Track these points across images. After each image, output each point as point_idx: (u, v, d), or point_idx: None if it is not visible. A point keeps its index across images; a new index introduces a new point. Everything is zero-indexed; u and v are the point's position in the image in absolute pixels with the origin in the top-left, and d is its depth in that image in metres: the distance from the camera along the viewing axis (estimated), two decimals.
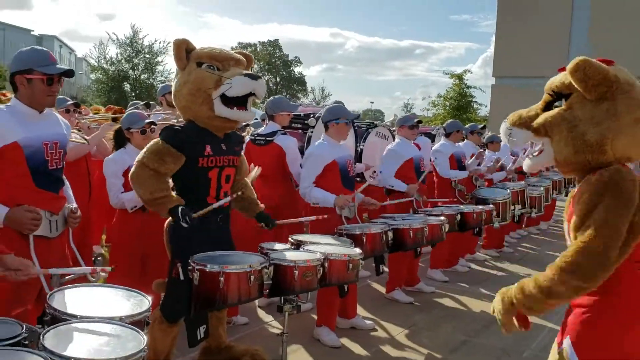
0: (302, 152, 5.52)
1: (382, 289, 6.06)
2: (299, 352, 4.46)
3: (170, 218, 3.41)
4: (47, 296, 2.31)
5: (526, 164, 2.54)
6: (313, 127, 5.78)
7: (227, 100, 3.33)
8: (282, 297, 3.39)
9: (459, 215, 5.52)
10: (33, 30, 63.06)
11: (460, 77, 26.19)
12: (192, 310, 3.10)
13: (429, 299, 6.02)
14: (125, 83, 30.76)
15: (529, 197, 7.59)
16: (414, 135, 6.09)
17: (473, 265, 7.54)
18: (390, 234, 4.43)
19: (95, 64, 30.55)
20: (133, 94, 29.67)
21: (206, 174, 3.41)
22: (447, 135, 7.07)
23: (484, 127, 8.60)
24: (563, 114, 2.30)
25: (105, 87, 30.47)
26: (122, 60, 30.04)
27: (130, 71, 30.32)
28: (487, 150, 8.20)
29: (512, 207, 7.17)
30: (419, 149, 6.45)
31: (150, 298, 2.44)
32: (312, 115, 5.91)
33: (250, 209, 3.77)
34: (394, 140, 6.69)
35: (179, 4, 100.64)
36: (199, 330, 3.24)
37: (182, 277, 3.19)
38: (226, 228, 3.59)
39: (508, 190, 6.94)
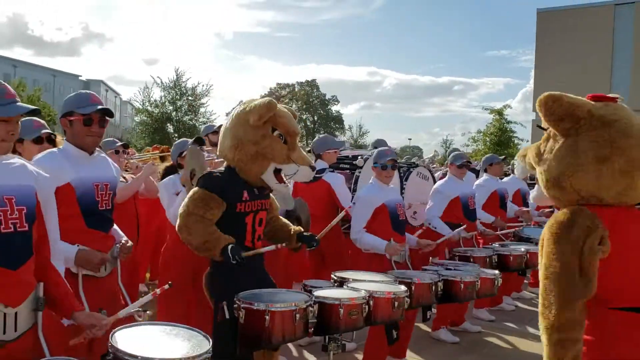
0: (350, 192, 5.59)
1: (427, 328, 5.94)
2: None
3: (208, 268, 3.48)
4: (110, 335, 2.33)
5: (531, 196, 2.56)
6: (361, 167, 5.81)
7: (277, 172, 3.45)
8: (327, 336, 3.36)
9: (495, 257, 5.39)
10: (81, 76, 65.76)
11: (500, 112, 25.95)
12: (238, 349, 3.10)
13: (476, 339, 5.86)
14: (168, 124, 31.56)
15: None
16: (462, 174, 6.02)
17: (519, 304, 7.33)
18: (440, 285, 4.28)
19: (140, 106, 31.55)
20: (176, 135, 30.38)
21: (243, 219, 3.44)
22: (485, 170, 6.99)
23: (505, 158, 8.47)
24: (538, 147, 2.29)
25: (150, 129, 31.31)
26: (166, 103, 30.92)
27: (174, 113, 31.13)
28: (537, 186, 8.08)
29: None
30: None
31: (210, 340, 2.42)
32: (360, 157, 5.95)
33: (287, 235, 3.74)
34: (434, 180, 6.63)
35: (221, 47, 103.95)
36: None
37: (227, 316, 3.20)
38: (263, 267, 3.60)
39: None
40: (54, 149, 3.26)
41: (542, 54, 28.12)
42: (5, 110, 2.23)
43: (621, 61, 26.11)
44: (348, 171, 5.91)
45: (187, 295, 4.25)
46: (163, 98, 30.52)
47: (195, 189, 3.46)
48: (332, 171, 5.47)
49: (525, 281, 7.90)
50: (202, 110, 32.21)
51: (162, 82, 30.61)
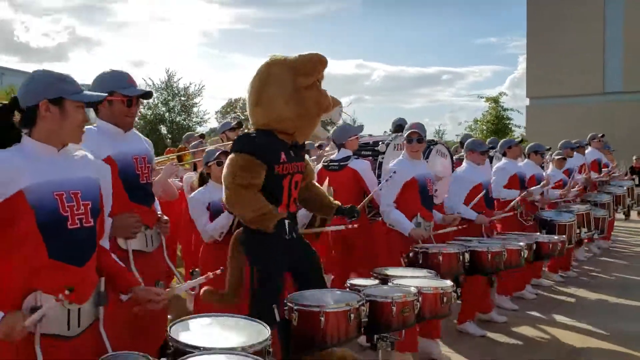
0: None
1: (453, 321, 5.87)
2: None
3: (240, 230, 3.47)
4: (169, 328, 2.31)
5: None
6: (383, 153, 5.76)
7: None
8: (375, 335, 3.29)
9: (534, 245, 5.37)
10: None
11: (496, 100, 25.95)
12: (292, 352, 3.03)
13: (504, 330, 5.79)
14: (161, 126, 31.35)
15: (593, 219, 7.39)
16: (483, 160, 5.96)
17: (540, 291, 7.30)
18: (467, 256, 4.31)
19: None
20: (170, 136, 30.19)
21: (281, 181, 3.38)
22: (504, 154, 6.94)
23: (548, 149, 8.47)
24: None
25: (143, 131, 31.14)
26: (159, 104, 30.69)
27: (167, 114, 30.93)
28: (552, 167, 8.08)
29: (577, 230, 6.98)
30: None
31: (269, 328, 2.40)
32: (381, 142, 5.89)
33: (321, 206, 3.72)
34: (451, 157, 6.58)
35: (205, 46, 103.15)
36: None
37: (277, 319, 3.12)
38: (297, 230, 3.51)
39: (573, 214, 6.76)
40: (90, 126, 3.19)
41: (532, 39, 28.15)
42: (84, 97, 2.25)
43: (613, 47, 26.17)
44: (371, 157, 5.85)
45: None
46: (156, 100, 30.27)
47: (233, 155, 3.37)
48: (357, 158, 5.45)
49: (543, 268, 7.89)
50: (195, 110, 32.06)
51: (153, 84, 30.40)
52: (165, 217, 3.35)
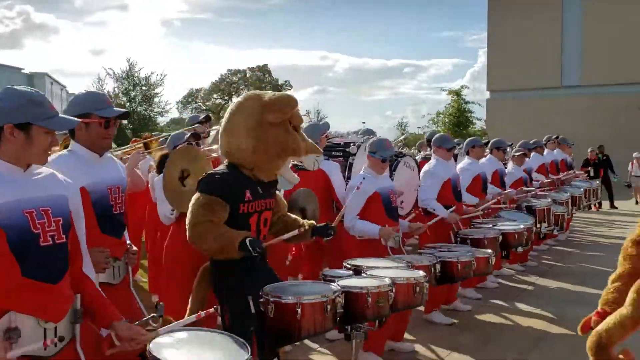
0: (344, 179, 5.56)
1: (420, 309, 5.99)
2: None
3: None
4: (149, 343, 2.26)
5: None
6: (354, 154, 5.77)
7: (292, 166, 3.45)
8: (349, 326, 3.34)
9: (500, 237, 5.51)
10: (24, 69, 63.01)
11: (458, 93, 26.36)
12: (267, 344, 3.05)
13: (468, 318, 5.95)
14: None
15: (553, 215, 7.63)
16: (450, 156, 6.09)
17: (502, 281, 7.50)
18: (438, 267, 4.39)
19: None
20: (131, 126, 29.70)
21: (247, 220, 3.31)
22: (467, 152, 7.09)
23: (511, 145, 8.67)
24: None
25: None
26: (120, 94, 30.14)
27: (128, 104, 30.39)
28: (511, 164, 8.28)
29: (538, 226, 7.18)
30: None
31: (249, 346, 2.35)
32: (352, 144, 5.90)
33: (299, 236, 3.58)
34: (419, 169, 6.65)
35: (166, 35, 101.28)
36: None
37: (253, 310, 3.14)
38: (266, 263, 3.50)
39: (530, 218, 6.93)
40: (64, 152, 3.12)
41: (493, 33, 28.59)
42: (55, 123, 2.20)
43: (571, 41, 26.81)
44: (341, 158, 5.86)
45: (188, 284, 4.17)
46: (116, 89, 29.74)
47: (197, 194, 3.31)
48: (327, 159, 5.43)
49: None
50: (156, 100, 31.62)
51: (114, 73, 29.84)
52: (134, 248, 3.26)
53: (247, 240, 3.12)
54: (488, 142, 9.02)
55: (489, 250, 5.07)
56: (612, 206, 16.12)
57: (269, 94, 3.37)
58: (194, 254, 4.05)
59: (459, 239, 5.53)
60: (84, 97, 3.04)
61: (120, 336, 2.31)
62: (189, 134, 4.36)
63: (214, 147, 5.52)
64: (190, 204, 3.30)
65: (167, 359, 2.14)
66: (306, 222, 3.64)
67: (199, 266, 4.06)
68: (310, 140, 3.46)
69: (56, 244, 2.17)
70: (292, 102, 3.29)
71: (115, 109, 3.08)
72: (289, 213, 3.72)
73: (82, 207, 2.78)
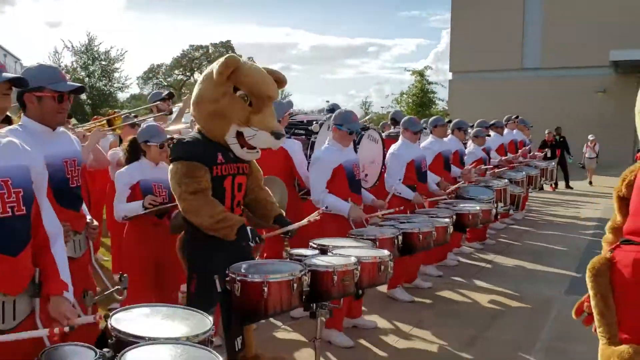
0: (306, 158, 5.55)
1: (382, 288, 6.10)
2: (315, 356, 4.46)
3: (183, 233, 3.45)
4: (109, 317, 2.24)
5: None
6: (317, 133, 5.77)
7: (241, 138, 3.37)
8: (315, 304, 3.38)
9: (454, 216, 5.63)
10: (20, 60, 60.38)
11: (421, 73, 26.56)
12: (233, 322, 3.08)
13: (430, 295, 6.10)
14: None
15: (509, 195, 7.83)
16: (416, 139, 6.17)
17: (461, 259, 7.68)
18: (400, 238, 4.47)
19: None
20: (90, 101, 28.94)
21: (222, 183, 3.37)
22: (431, 131, 7.21)
23: (472, 125, 8.80)
24: None
25: None
26: (78, 68, 29.27)
27: (87, 79, 29.55)
28: (472, 144, 8.42)
29: (494, 205, 7.36)
30: None
31: (211, 317, 2.38)
32: (315, 122, 5.89)
33: (265, 212, 3.65)
34: (383, 142, 6.71)
35: (127, 9, 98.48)
36: (236, 342, 3.20)
37: (219, 289, 3.16)
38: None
39: (492, 190, 7.12)
40: (15, 126, 3.04)
41: (456, 14, 28.79)
42: None
43: (532, 23, 27.21)
44: (304, 137, 5.86)
45: (151, 281, 4.20)
46: (74, 63, 28.86)
47: (175, 163, 3.35)
48: (289, 137, 5.40)
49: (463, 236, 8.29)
50: (116, 75, 30.84)
51: (72, 46, 28.90)
52: (95, 223, 3.26)
53: (249, 228, 3.19)
54: (450, 122, 9.17)
55: (447, 220, 5.20)
56: (568, 186, 16.59)
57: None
58: (152, 245, 4.11)
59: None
60: (36, 70, 2.95)
61: (48, 311, 2.27)
62: (168, 138, 4.23)
63: (178, 127, 5.46)
64: (171, 175, 3.33)
65: (129, 329, 2.13)
66: (276, 208, 3.68)
67: (158, 255, 4.10)
68: (268, 117, 3.41)
69: (16, 216, 2.12)
70: (232, 61, 3.30)
71: (70, 83, 3.02)
72: (264, 188, 3.73)
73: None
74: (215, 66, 3.34)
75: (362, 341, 4.76)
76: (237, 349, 3.21)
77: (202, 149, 3.33)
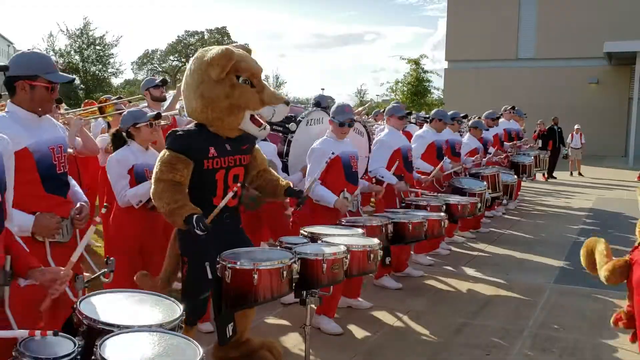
0: (281, 156, 5.53)
1: (370, 276, 6.15)
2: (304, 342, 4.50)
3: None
4: (78, 304, 2.24)
5: None
6: (293, 132, 5.68)
7: (253, 118, 3.44)
8: (304, 291, 3.42)
9: (444, 206, 5.67)
10: (13, 43, 59.77)
11: (417, 62, 26.50)
12: (224, 309, 3.11)
13: (420, 283, 6.16)
14: (74, 75, 29.89)
15: (502, 184, 7.88)
16: (402, 125, 6.19)
17: (453, 248, 7.74)
18: (390, 227, 4.52)
19: None
20: (83, 87, 28.76)
21: (212, 176, 3.42)
22: (430, 121, 7.24)
23: (465, 116, 8.82)
24: None
25: None
26: (72, 52, 29.04)
27: (81, 64, 29.32)
28: (468, 135, 8.46)
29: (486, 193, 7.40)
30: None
31: (179, 305, 2.40)
32: (293, 119, 5.76)
33: (275, 190, 3.76)
34: (368, 136, 6.71)
35: None
36: (227, 329, 3.25)
37: (210, 276, 3.19)
38: (235, 225, 3.61)
39: (484, 183, 7.15)
40: (2, 113, 3.06)
41: (453, 2, 28.74)
42: None
43: (527, 13, 27.18)
44: (281, 134, 5.80)
45: (137, 266, 4.16)
46: (69, 47, 28.60)
47: (164, 150, 3.41)
48: (265, 140, 5.27)
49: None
50: (111, 60, 30.61)
51: (67, 29, 28.64)
52: (83, 212, 3.20)
53: (195, 216, 3.19)
54: (467, 116, 9.22)
55: (442, 214, 5.24)
56: (551, 176, 16.53)
57: (212, 50, 3.40)
58: (138, 230, 4.12)
59: (403, 204, 5.69)
60: (31, 58, 2.97)
61: (39, 281, 2.29)
62: (154, 113, 4.24)
63: (169, 113, 5.45)
64: (159, 158, 3.41)
65: (101, 317, 2.14)
66: (283, 181, 3.78)
67: (143, 241, 4.12)
68: (270, 89, 3.51)
69: None
70: (225, 55, 3.32)
71: (62, 74, 3.07)
72: (270, 170, 3.82)
73: (23, 167, 2.77)
74: (204, 67, 3.35)
75: (351, 327, 4.82)
76: (228, 336, 3.26)
77: (193, 143, 3.37)
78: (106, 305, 2.30)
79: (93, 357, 1.94)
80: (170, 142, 3.41)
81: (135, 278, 3.59)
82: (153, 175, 3.38)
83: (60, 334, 2.10)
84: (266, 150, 5.27)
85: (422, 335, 4.75)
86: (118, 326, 2.10)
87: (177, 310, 2.33)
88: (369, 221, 4.45)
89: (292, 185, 3.81)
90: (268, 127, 3.57)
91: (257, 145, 3.78)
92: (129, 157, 4.12)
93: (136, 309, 2.34)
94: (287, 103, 3.52)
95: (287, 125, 5.84)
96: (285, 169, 5.57)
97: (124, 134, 4.21)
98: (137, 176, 4.10)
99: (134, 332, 2.09)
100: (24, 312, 2.49)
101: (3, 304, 2.25)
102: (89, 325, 2.12)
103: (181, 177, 3.32)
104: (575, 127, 17.87)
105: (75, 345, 2.02)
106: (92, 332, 2.10)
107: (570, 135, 17.88)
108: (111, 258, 3.00)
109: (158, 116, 4.26)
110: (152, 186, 3.35)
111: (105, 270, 2.94)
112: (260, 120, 3.47)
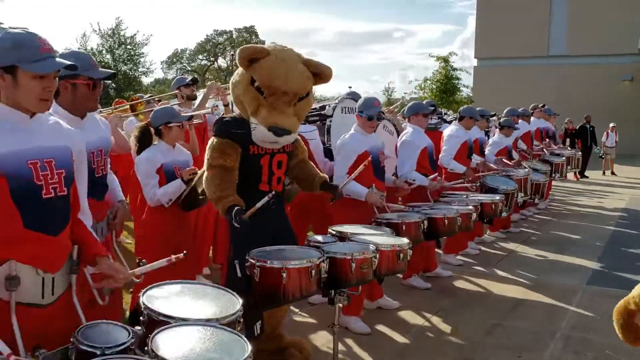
0: (323, 144, 5.55)
1: (399, 276, 6.09)
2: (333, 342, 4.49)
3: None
4: (141, 295, 2.30)
5: None
6: (330, 116, 5.74)
7: None
8: (333, 290, 3.41)
9: (479, 206, 5.60)
10: (2, 23, 61.20)
11: (446, 59, 26.23)
12: (253, 307, 3.11)
13: (450, 284, 6.09)
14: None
15: (533, 185, 7.75)
16: (426, 123, 6.11)
17: (483, 248, 7.65)
18: (425, 223, 4.49)
19: None
20: (114, 85, 29.21)
21: (258, 161, 3.50)
22: (460, 119, 7.14)
23: (494, 115, 8.70)
24: None
25: None
26: (103, 51, 29.55)
27: (112, 63, 29.79)
28: (498, 134, 8.34)
29: (516, 195, 7.29)
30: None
31: (239, 299, 2.41)
32: (327, 106, 5.85)
33: (311, 183, 3.80)
34: (398, 134, 6.66)
35: None
36: (255, 327, 3.25)
37: (239, 274, 3.20)
38: (280, 212, 3.67)
39: (514, 183, 7.05)
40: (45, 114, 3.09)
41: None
42: (41, 65, 2.08)
43: (558, 10, 26.72)
44: (319, 122, 5.83)
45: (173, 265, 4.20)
46: (100, 46, 29.09)
47: (213, 137, 3.53)
48: (304, 123, 5.36)
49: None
50: (141, 60, 31.05)
51: (99, 29, 29.14)
52: (117, 215, 3.26)
53: (235, 209, 3.23)
54: (495, 115, 9.10)
55: (471, 207, 5.18)
56: (583, 176, 16.22)
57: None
58: (170, 230, 4.15)
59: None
60: (70, 57, 2.93)
61: (102, 271, 2.36)
62: (188, 114, 4.27)
63: (201, 112, 5.49)
64: (208, 146, 3.52)
65: (160, 308, 2.18)
66: (319, 175, 3.81)
67: (177, 241, 4.14)
68: (279, 113, 3.39)
69: (58, 196, 2.18)
70: (241, 52, 3.39)
71: (102, 70, 3.05)
72: (308, 161, 3.87)
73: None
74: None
75: (380, 327, 4.78)
76: (255, 334, 3.26)
77: (239, 128, 3.47)
78: (168, 296, 2.35)
79: (146, 348, 1.99)
80: (218, 129, 3.52)
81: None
82: (205, 163, 3.48)
83: (116, 322, 2.17)
84: (310, 132, 5.32)
85: (452, 336, 4.69)
86: (174, 318, 2.14)
87: (236, 304, 2.34)
88: (407, 217, 4.43)
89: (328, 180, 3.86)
90: (277, 143, 3.53)
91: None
92: (157, 156, 4.14)
93: (196, 301, 2.37)
94: (274, 132, 3.36)
95: (322, 112, 5.88)
96: (327, 154, 5.58)
97: (153, 130, 4.23)
98: (167, 174, 4.12)
99: (188, 325, 2.12)
100: (87, 299, 2.51)
101: (71, 290, 2.32)
102: (148, 315, 2.17)
103: (232, 162, 3.42)
104: (611, 125, 17.49)
105: (129, 335, 2.06)
106: (151, 323, 2.14)
107: (605, 133, 17.51)
108: (143, 260, 3.00)
109: (192, 119, 4.31)
110: (205, 172, 3.47)
111: (135, 271, 2.93)
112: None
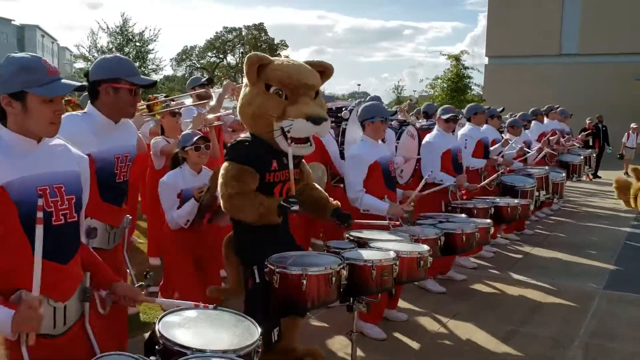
0: (338, 145, 5.51)
1: None
2: (348, 347, 4.43)
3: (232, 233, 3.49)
4: (157, 322, 2.20)
5: None
6: (347, 119, 5.68)
7: (286, 134, 3.27)
8: (352, 298, 3.35)
9: (492, 209, 5.52)
10: (14, 20, 61.57)
11: (457, 58, 26.05)
12: (271, 314, 3.07)
13: (464, 287, 6.02)
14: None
15: (552, 184, 7.67)
16: (450, 128, 6.05)
17: (497, 250, 7.55)
18: (442, 239, 4.33)
19: (87, 53, 30.21)
20: None
21: (272, 189, 3.36)
22: (469, 119, 7.08)
23: (502, 110, 8.62)
24: None
25: None
26: (113, 49, 29.60)
27: None
28: (507, 134, 8.26)
29: (536, 194, 7.22)
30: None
31: (258, 327, 2.31)
32: (344, 108, 5.80)
33: (321, 209, 3.64)
34: (419, 138, 6.60)
35: None
36: (273, 333, 3.20)
37: (257, 280, 3.15)
38: (287, 229, 3.57)
39: (534, 179, 6.99)
40: (77, 113, 3.07)
41: None
42: (51, 88, 2.02)
43: (570, 9, 26.49)
44: (334, 124, 5.78)
45: (189, 270, 4.16)
46: (110, 44, 29.13)
47: (227, 163, 3.34)
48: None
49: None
50: (150, 57, 31.09)
51: (107, 28, 29.20)
52: (129, 217, 3.28)
53: (282, 201, 3.18)
54: (503, 110, 9.03)
55: (488, 220, 5.08)
56: (596, 176, 16.11)
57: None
58: (189, 238, 4.14)
59: (450, 208, 5.56)
60: (114, 61, 2.98)
61: (117, 294, 2.31)
62: (197, 137, 4.21)
63: (219, 113, 5.44)
64: (221, 173, 3.33)
65: (176, 337, 2.10)
66: (331, 202, 3.65)
67: (196, 248, 4.13)
68: (308, 105, 3.30)
69: (68, 223, 2.12)
70: (248, 60, 3.28)
71: (144, 77, 3.06)
72: (315, 186, 3.72)
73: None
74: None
75: (396, 334, 4.72)
76: (273, 340, 3.21)
77: (257, 154, 3.30)
78: (186, 324, 2.26)
79: None
80: (235, 155, 3.33)
81: (208, 292, 3.63)
82: (221, 191, 3.29)
83: (130, 354, 2.08)
84: (327, 135, 5.25)
85: (469, 342, 4.62)
86: (191, 349, 2.06)
87: (254, 334, 2.25)
88: (423, 234, 4.25)
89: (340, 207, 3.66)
90: (312, 146, 3.42)
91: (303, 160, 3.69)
92: (178, 181, 4.17)
93: (214, 331, 2.28)
94: (314, 120, 3.22)
95: (339, 115, 5.84)
96: (342, 156, 5.53)
97: (180, 155, 4.28)
98: (186, 200, 4.12)
99: (205, 357, 2.04)
100: (104, 329, 2.43)
101: (84, 319, 2.26)
102: (164, 344, 2.10)
103: (251, 188, 3.27)
104: (632, 125, 17.32)
105: None
106: (167, 353, 2.07)
107: (626, 134, 17.35)
108: (151, 273, 2.95)
109: (205, 140, 4.25)
110: (224, 202, 3.29)
111: (142, 284, 2.84)
112: (291, 135, 3.26)
